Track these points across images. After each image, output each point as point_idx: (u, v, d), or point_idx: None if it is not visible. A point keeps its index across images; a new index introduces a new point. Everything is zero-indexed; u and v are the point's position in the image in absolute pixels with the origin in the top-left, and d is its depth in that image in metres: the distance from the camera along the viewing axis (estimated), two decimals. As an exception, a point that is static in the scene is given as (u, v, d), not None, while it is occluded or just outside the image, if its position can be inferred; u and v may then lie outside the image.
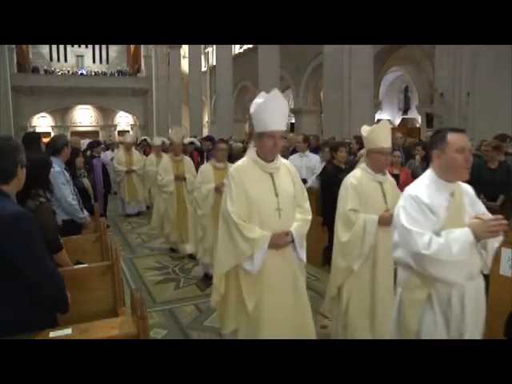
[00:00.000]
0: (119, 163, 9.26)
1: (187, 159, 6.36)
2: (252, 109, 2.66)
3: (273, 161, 2.70)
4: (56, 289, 1.89)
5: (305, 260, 2.80)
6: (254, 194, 2.60)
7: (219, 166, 4.83)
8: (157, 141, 9.52)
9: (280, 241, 2.61)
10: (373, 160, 3.14)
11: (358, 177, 3.14)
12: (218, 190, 4.55)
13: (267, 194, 2.63)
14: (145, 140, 13.52)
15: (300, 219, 2.76)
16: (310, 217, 2.83)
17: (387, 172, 3.25)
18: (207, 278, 4.98)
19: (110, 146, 13.04)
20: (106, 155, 11.10)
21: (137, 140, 13.54)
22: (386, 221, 2.94)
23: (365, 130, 3.24)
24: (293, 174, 2.82)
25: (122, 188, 9.28)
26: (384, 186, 3.17)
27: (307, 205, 2.87)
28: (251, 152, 2.73)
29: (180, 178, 6.06)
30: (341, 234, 3.14)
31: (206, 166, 4.97)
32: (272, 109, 2.58)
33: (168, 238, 6.40)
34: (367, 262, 3.11)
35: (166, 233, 6.36)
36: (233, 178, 2.65)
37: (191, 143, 9.70)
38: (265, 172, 2.68)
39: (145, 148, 11.83)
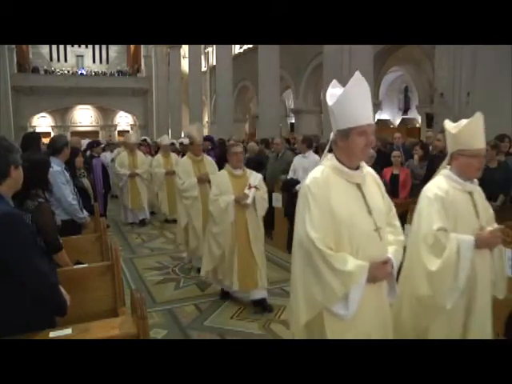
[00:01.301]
0: (122, 166, 8.34)
1: (209, 159, 5.61)
2: (330, 101, 2.05)
3: (358, 168, 2.10)
4: (50, 291, 1.88)
5: (397, 295, 2.24)
6: (342, 212, 1.98)
7: (237, 174, 4.25)
8: (165, 140, 8.94)
9: (381, 272, 2.01)
10: (463, 165, 2.44)
11: (443, 187, 2.44)
12: (239, 203, 4.10)
13: (359, 211, 2.03)
14: (144, 140, 13.00)
15: (395, 241, 2.18)
16: (403, 238, 2.26)
17: (475, 180, 2.55)
18: (225, 294, 4.57)
19: (108, 147, 12.16)
20: (106, 156, 10.62)
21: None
22: (484, 242, 2.34)
23: (452, 126, 2.52)
24: (379, 183, 2.23)
25: (125, 194, 8.35)
26: (474, 196, 2.49)
27: (398, 223, 2.30)
28: (330, 159, 2.09)
29: (204, 180, 5.23)
30: (427, 260, 2.34)
31: (221, 174, 4.36)
32: (360, 97, 1.98)
33: (194, 255, 5.42)
34: (461, 299, 2.40)
35: (191, 248, 5.35)
36: (312, 196, 1.99)
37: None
38: (351, 183, 2.06)
39: (144, 148, 11.16)
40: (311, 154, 6.10)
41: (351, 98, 1.97)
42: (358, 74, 1.99)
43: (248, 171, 4.32)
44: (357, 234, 2.00)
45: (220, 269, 4.28)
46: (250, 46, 19.12)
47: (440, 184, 2.48)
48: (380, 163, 5.59)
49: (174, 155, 8.79)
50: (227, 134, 13.35)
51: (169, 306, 4.39)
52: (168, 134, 23.13)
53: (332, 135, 2.10)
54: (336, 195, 2.01)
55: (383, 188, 2.24)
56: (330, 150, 2.13)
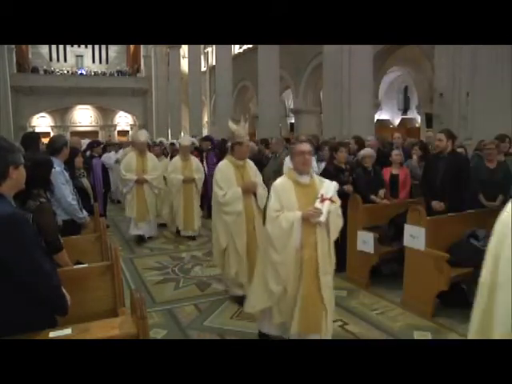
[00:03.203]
0: (128, 170, 6.86)
1: (250, 163, 4.50)
2: None
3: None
4: (52, 291, 1.89)
5: None
6: None
7: (303, 182, 3.21)
8: (186, 140, 7.41)
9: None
10: None
11: None
12: (308, 221, 3.07)
13: None
14: (161, 142, 10.88)
15: None
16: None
17: None
18: (262, 335, 3.56)
19: (112, 147, 11.53)
20: (110, 157, 10.20)
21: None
22: None
23: None
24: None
25: (129, 202, 6.91)
26: None
27: None
28: None
29: (249, 191, 4.25)
30: None
31: (283, 184, 3.22)
32: None
33: (232, 281, 4.42)
34: None
35: (230, 274, 4.34)
36: None
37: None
38: None
39: (158, 149, 9.70)
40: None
41: None
42: None
43: (317, 178, 3.31)
44: None
45: (275, 308, 3.23)
46: (250, 46, 19.13)
47: None
48: (380, 163, 5.60)
49: (195, 159, 7.44)
50: (227, 134, 13.35)
51: (168, 306, 4.39)
52: (168, 134, 23.17)
53: None
54: None
55: None
56: None
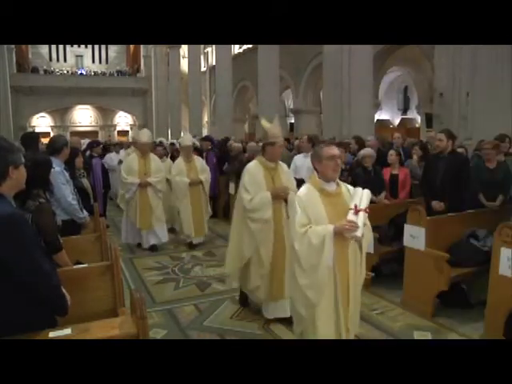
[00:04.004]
0: (130, 172, 6.30)
1: (283, 166, 4.08)
2: None
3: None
4: (52, 291, 1.89)
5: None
6: None
7: (330, 190, 2.82)
8: (187, 140, 6.85)
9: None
10: None
11: None
12: (342, 236, 2.67)
13: None
14: (160, 143, 10.40)
15: None
16: None
17: None
18: None
19: (114, 147, 11.20)
20: (112, 158, 9.93)
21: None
22: None
23: None
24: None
25: (133, 208, 6.34)
26: None
27: None
28: None
29: (280, 197, 3.80)
30: None
31: (310, 193, 2.82)
32: None
33: (252, 294, 4.02)
34: None
35: (251, 287, 3.93)
36: None
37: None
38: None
39: (160, 149, 9.22)
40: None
41: None
42: None
43: (343, 185, 2.92)
44: None
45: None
46: (250, 46, 19.13)
47: None
48: (380, 163, 5.61)
49: (199, 159, 6.96)
50: (227, 134, 13.36)
51: (168, 306, 4.39)
52: (168, 134, 23.17)
53: None
54: None
55: None
56: None
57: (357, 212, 2.61)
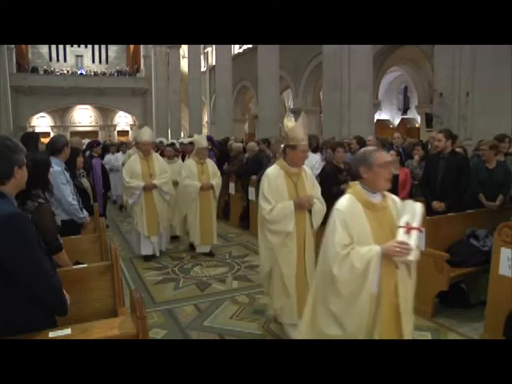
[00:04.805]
0: (132, 175, 5.83)
1: (307, 171, 3.67)
2: None
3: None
4: (52, 291, 1.88)
5: None
6: None
7: (376, 203, 2.38)
8: (203, 141, 6.26)
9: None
10: None
11: None
12: (390, 260, 2.27)
13: None
14: (172, 144, 9.71)
15: None
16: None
17: None
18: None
19: (114, 147, 11.01)
20: (117, 158, 9.82)
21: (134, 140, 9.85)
22: None
23: None
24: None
25: (138, 215, 5.89)
26: None
27: None
28: None
29: (304, 207, 3.44)
30: None
31: (352, 207, 2.36)
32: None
33: (276, 312, 3.61)
34: None
35: (274, 305, 3.58)
36: None
37: (191, 143, 9.32)
38: None
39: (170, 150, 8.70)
40: (310, 154, 6.11)
41: None
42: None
43: (389, 196, 2.45)
44: None
45: None
46: (250, 45, 19.13)
47: None
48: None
49: (210, 161, 6.37)
50: (227, 134, 13.36)
51: (168, 306, 4.39)
52: (168, 134, 23.17)
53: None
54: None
55: None
56: None
57: (409, 231, 2.22)
